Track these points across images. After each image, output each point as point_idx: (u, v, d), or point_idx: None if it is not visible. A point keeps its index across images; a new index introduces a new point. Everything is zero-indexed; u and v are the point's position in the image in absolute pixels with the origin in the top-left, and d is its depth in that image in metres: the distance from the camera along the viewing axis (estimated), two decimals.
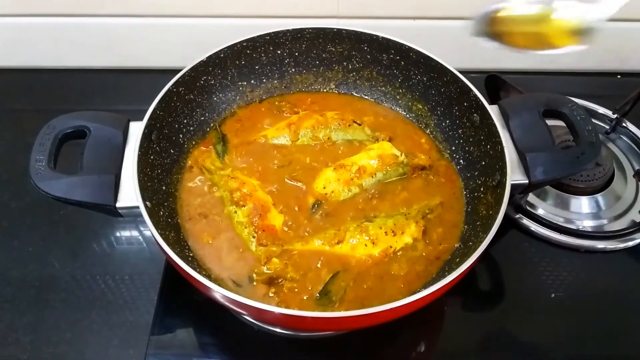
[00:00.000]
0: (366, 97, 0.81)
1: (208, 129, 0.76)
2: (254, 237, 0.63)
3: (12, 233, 0.75)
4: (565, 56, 0.98)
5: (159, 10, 0.91)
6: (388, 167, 0.70)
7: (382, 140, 0.74)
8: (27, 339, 0.65)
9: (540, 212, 0.77)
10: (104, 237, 0.75)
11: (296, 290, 0.60)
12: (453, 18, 0.93)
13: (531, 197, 0.78)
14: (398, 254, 0.63)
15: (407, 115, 0.79)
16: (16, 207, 0.78)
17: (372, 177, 0.69)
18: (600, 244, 0.74)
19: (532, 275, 0.72)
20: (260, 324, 0.65)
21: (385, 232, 0.63)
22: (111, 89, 0.95)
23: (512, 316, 0.69)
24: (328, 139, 0.74)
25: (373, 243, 0.63)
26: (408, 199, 0.69)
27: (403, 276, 0.61)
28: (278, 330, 0.65)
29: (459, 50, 0.95)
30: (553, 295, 0.70)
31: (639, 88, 0.88)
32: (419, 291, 0.53)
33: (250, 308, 0.50)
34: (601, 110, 0.89)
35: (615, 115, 0.88)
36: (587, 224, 0.76)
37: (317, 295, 0.59)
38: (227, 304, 0.53)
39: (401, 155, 0.71)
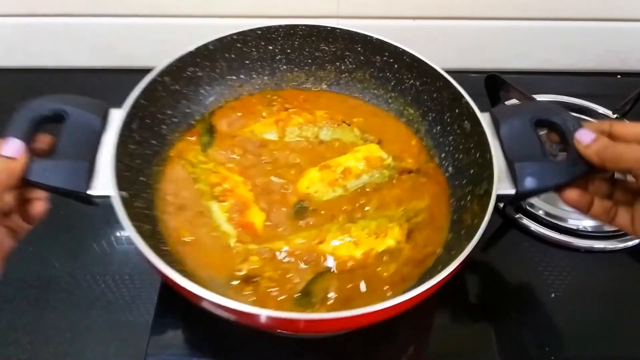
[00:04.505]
0: (358, 98, 0.80)
1: (193, 122, 0.73)
2: (233, 234, 0.62)
3: None
4: (565, 56, 0.99)
5: (159, 10, 0.91)
6: (374, 170, 0.69)
7: (371, 142, 0.73)
8: (27, 339, 0.65)
9: (540, 212, 0.77)
10: (104, 237, 0.75)
11: (274, 289, 0.59)
12: (453, 18, 0.93)
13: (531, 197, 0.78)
14: (381, 256, 0.62)
15: (399, 119, 0.77)
16: None
17: (358, 178, 0.68)
18: (600, 244, 0.74)
19: (532, 275, 0.72)
20: None
21: (368, 234, 0.62)
22: (111, 89, 0.95)
23: (512, 316, 0.69)
24: (316, 137, 0.73)
25: (355, 245, 0.62)
26: (394, 201, 0.67)
27: (387, 279, 0.60)
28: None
29: (459, 50, 0.95)
30: (553, 295, 0.70)
31: (638, 88, 0.88)
32: (401, 294, 0.51)
33: (220, 306, 0.49)
34: (601, 110, 0.89)
35: (615, 115, 0.88)
36: (587, 224, 0.76)
37: (297, 295, 0.58)
38: (197, 301, 0.51)
39: (388, 158, 0.70)
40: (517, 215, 0.76)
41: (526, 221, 0.76)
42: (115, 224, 0.76)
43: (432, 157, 0.73)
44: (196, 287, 0.49)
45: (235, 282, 0.59)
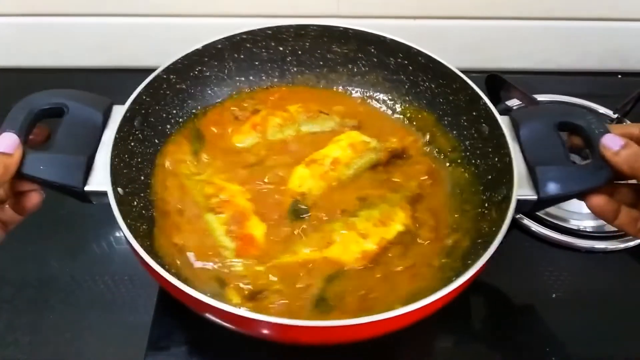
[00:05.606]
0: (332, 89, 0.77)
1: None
2: (231, 247, 0.59)
3: (11, 233, 0.75)
4: (566, 56, 0.99)
5: (159, 10, 0.91)
6: (361, 155, 0.67)
7: (351, 128, 0.72)
8: (27, 339, 0.65)
9: (541, 212, 0.77)
10: (104, 237, 0.75)
11: (284, 302, 0.56)
12: (453, 18, 0.93)
13: None
14: (393, 246, 0.60)
15: (406, 122, 0.75)
16: None
17: (348, 167, 0.66)
18: (600, 244, 0.74)
19: (532, 275, 0.72)
20: None
21: (374, 224, 0.60)
22: (111, 89, 0.95)
23: (512, 316, 0.69)
24: (297, 133, 0.71)
25: (364, 237, 0.59)
26: (388, 185, 0.65)
27: (405, 270, 0.58)
28: None
29: (459, 50, 0.95)
30: (553, 295, 0.70)
31: (639, 88, 0.88)
32: (420, 298, 0.50)
33: (229, 315, 0.47)
34: (602, 110, 0.89)
35: (616, 115, 0.88)
36: (588, 224, 0.76)
37: (314, 303, 0.55)
38: (196, 306, 0.50)
39: (372, 141, 0.68)
40: (518, 216, 0.76)
41: (527, 221, 0.76)
42: (115, 224, 0.76)
43: (417, 136, 0.71)
44: (195, 292, 0.47)
45: (235, 301, 0.56)
